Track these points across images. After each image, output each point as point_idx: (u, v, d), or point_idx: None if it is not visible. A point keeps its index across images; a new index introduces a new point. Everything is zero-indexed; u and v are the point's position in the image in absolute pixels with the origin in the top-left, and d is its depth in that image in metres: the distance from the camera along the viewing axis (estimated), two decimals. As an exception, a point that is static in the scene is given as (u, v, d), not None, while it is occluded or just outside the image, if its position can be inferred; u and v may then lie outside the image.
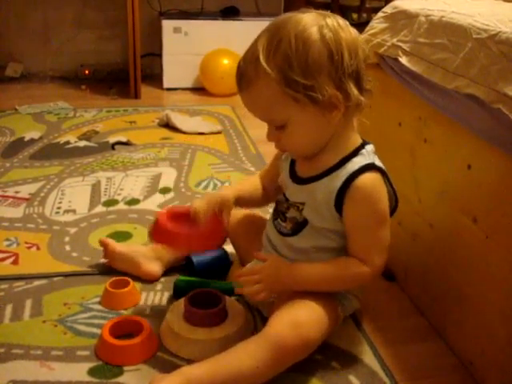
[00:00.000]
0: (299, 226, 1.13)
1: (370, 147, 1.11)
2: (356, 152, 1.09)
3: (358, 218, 1.07)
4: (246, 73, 1.03)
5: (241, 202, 1.25)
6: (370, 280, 1.12)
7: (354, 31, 1.04)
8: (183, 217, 1.18)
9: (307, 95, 0.99)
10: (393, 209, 1.12)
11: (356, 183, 1.05)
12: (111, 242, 1.41)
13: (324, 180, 1.09)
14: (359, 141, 1.11)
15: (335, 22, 1.02)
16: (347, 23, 1.05)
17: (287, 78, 0.99)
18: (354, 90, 1.02)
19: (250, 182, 1.33)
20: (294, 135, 1.06)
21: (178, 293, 1.29)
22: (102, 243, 1.41)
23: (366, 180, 1.05)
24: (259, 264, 1.14)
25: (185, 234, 1.16)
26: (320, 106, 1.01)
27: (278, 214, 1.19)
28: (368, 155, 1.08)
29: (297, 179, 1.15)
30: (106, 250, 1.40)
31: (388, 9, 1.43)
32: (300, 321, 1.04)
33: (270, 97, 1.01)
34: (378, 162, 1.09)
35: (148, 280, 1.37)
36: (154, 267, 1.38)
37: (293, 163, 1.18)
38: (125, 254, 1.38)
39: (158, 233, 1.19)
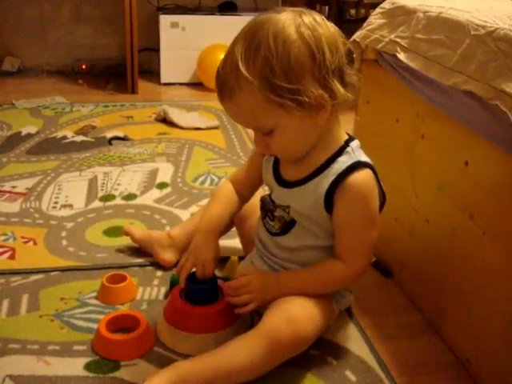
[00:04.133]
0: (287, 225, 1.12)
1: (354, 143, 1.08)
2: (341, 151, 1.06)
3: (348, 216, 1.06)
4: (227, 82, 0.98)
5: (222, 229, 1.24)
6: (350, 283, 1.14)
7: (332, 26, 1.00)
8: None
9: (293, 99, 0.95)
10: (381, 204, 1.11)
11: (348, 182, 1.03)
12: (132, 230, 1.48)
13: (311, 183, 1.07)
14: (344, 137, 1.09)
15: (312, 18, 0.98)
16: (324, 18, 1.01)
17: (271, 84, 0.94)
18: (340, 88, 0.99)
19: (226, 200, 1.25)
20: (282, 140, 1.02)
21: (173, 288, 1.29)
22: (125, 233, 1.48)
23: (358, 178, 1.04)
24: (250, 268, 1.17)
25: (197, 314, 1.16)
26: (307, 109, 0.97)
27: (265, 212, 1.17)
28: (353, 153, 1.06)
29: (282, 182, 1.13)
30: (131, 238, 1.48)
31: (386, 4, 1.43)
32: (295, 316, 1.04)
33: (255, 105, 0.97)
34: (365, 158, 1.07)
35: (164, 266, 1.42)
36: (168, 255, 1.41)
37: (276, 164, 1.15)
38: (142, 241, 1.46)
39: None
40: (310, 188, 1.07)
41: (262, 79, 0.94)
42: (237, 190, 1.26)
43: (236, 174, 1.30)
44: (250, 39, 0.96)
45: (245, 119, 1.03)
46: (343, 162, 1.05)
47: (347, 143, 1.08)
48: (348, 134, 1.11)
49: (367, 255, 1.10)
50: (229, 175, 1.35)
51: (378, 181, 1.08)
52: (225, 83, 0.99)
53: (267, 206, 1.16)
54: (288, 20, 0.97)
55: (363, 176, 1.04)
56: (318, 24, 0.98)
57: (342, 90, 0.99)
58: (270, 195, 1.16)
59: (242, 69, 0.95)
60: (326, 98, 0.98)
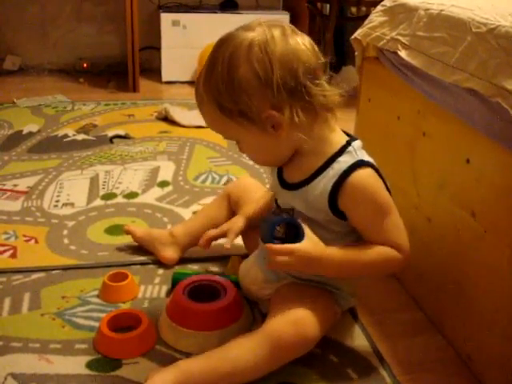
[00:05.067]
0: None
1: (356, 144, 1.07)
2: (341, 151, 1.06)
3: (363, 214, 1.05)
4: (195, 95, 1.06)
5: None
6: (402, 264, 1.08)
7: (294, 42, 0.98)
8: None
9: (244, 119, 0.99)
10: None
11: (349, 182, 1.02)
12: (133, 229, 1.48)
13: (312, 184, 1.06)
14: (343, 139, 1.08)
15: (270, 36, 0.97)
16: (287, 33, 0.99)
17: (220, 105, 1.00)
18: (293, 108, 0.98)
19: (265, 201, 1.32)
20: (249, 150, 1.09)
21: (175, 286, 1.29)
22: (126, 232, 1.48)
23: (359, 177, 1.03)
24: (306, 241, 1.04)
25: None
26: (259, 127, 1.00)
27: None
28: (355, 152, 1.06)
29: (285, 185, 1.13)
30: (132, 236, 1.48)
31: (387, 2, 1.43)
32: (299, 318, 1.04)
33: (215, 119, 1.04)
34: (367, 158, 1.07)
35: (166, 264, 1.42)
36: (170, 252, 1.41)
37: (280, 169, 1.15)
38: (143, 239, 1.46)
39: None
40: (312, 189, 1.07)
41: (213, 99, 1.01)
42: None
43: None
44: (212, 57, 1.02)
45: (214, 128, 1.09)
46: (345, 162, 1.04)
47: (349, 143, 1.07)
48: (349, 135, 1.11)
49: (404, 237, 1.08)
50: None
51: (383, 179, 1.08)
52: (195, 95, 1.07)
53: (274, 211, 1.15)
54: (244, 41, 0.98)
55: (365, 174, 1.04)
56: (275, 43, 0.97)
57: (296, 110, 0.98)
58: (276, 201, 1.16)
59: (201, 87, 1.03)
60: (278, 117, 0.98)
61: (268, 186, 1.50)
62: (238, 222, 1.30)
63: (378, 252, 1.06)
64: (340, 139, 1.08)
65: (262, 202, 1.32)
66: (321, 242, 1.04)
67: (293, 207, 1.08)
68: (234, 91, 0.98)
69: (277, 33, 0.98)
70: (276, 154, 1.08)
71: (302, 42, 1.00)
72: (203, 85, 1.02)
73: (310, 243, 1.03)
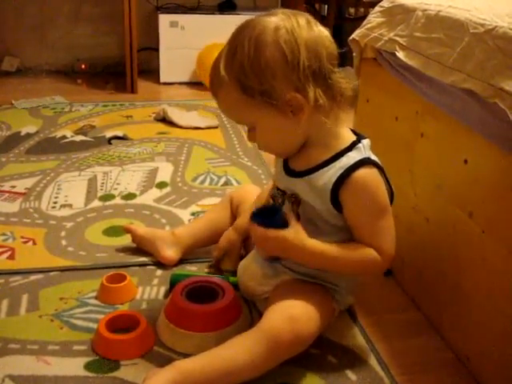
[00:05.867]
0: None
1: (366, 141, 1.10)
2: (351, 146, 1.08)
3: (360, 210, 1.06)
4: (212, 80, 1.07)
5: None
6: (381, 268, 1.11)
7: (318, 29, 1.03)
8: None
9: (264, 100, 1.01)
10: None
11: (354, 177, 1.04)
12: (133, 227, 1.48)
13: (318, 173, 1.08)
14: (352, 135, 1.10)
15: (295, 22, 1.01)
16: (311, 21, 1.03)
17: (243, 85, 1.01)
18: (318, 91, 1.01)
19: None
20: (264, 136, 1.09)
21: (173, 287, 1.29)
22: (126, 230, 1.48)
23: (364, 174, 1.05)
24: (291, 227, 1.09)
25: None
26: (281, 109, 1.02)
27: None
28: (364, 150, 1.08)
29: (291, 173, 1.14)
30: (132, 235, 1.47)
31: (385, 3, 1.43)
32: (295, 315, 1.04)
33: (233, 103, 1.05)
34: (374, 157, 1.09)
35: (166, 264, 1.41)
36: (170, 252, 1.41)
37: (286, 158, 1.17)
38: (145, 238, 1.45)
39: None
40: (316, 178, 1.08)
41: (236, 80, 1.01)
42: None
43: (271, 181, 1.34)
44: (233, 41, 1.04)
45: (229, 114, 1.10)
46: (353, 157, 1.06)
47: (359, 140, 1.09)
48: (357, 133, 1.12)
49: (391, 242, 1.09)
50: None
51: (388, 181, 1.09)
52: (211, 81, 1.08)
53: (275, 203, 1.17)
54: (270, 23, 1.01)
55: (370, 172, 1.06)
56: (301, 27, 1.01)
57: (319, 93, 1.01)
58: (278, 187, 1.17)
59: (221, 69, 1.03)
60: (301, 100, 1.01)
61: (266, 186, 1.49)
62: (235, 241, 1.37)
63: (360, 254, 1.08)
64: (350, 135, 1.11)
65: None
66: (304, 233, 1.08)
67: (294, 193, 1.11)
68: (260, 71, 0.99)
69: (302, 19, 1.02)
70: (289, 141, 1.09)
71: (323, 30, 1.04)
72: (225, 66, 1.03)
73: (292, 231, 1.07)
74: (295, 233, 1.07)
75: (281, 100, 1.00)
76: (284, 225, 1.08)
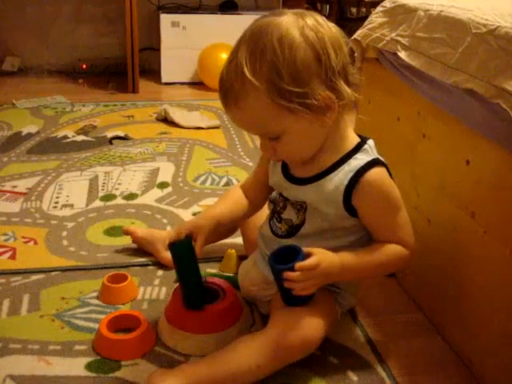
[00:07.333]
0: (294, 228, 1.11)
1: (371, 142, 1.09)
2: (357, 148, 1.06)
3: (377, 211, 1.06)
4: (232, 88, 0.96)
5: (222, 225, 1.20)
6: (408, 259, 1.09)
7: (333, 26, 1.00)
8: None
9: (301, 103, 0.94)
10: None
11: (366, 179, 1.03)
12: (133, 229, 1.48)
13: (326, 178, 1.06)
14: (356, 137, 1.09)
15: (313, 20, 0.97)
16: (324, 19, 1.00)
17: (279, 89, 0.93)
18: (346, 87, 0.99)
19: (231, 201, 1.25)
20: (290, 144, 1.01)
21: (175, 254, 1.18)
22: (125, 232, 1.48)
23: (375, 175, 1.04)
24: (314, 249, 1.04)
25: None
26: (315, 111, 0.96)
27: (273, 214, 1.16)
28: (371, 151, 1.07)
29: (295, 180, 1.11)
30: (132, 237, 1.47)
31: (387, 3, 1.42)
32: (301, 321, 1.04)
33: (262, 111, 0.95)
34: (380, 157, 1.08)
35: (165, 266, 1.40)
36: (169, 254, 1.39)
37: (285, 165, 1.14)
38: (144, 239, 1.46)
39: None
40: (326, 183, 1.06)
41: (269, 84, 0.93)
42: (247, 195, 1.25)
43: (246, 180, 1.29)
44: (254, 44, 0.94)
45: (252, 125, 1.02)
46: (361, 159, 1.05)
47: (364, 141, 1.08)
48: (360, 135, 1.11)
49: (410, 233, 1.09)
50: (240, 181, 1.34)
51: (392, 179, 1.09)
52: (229, 89, 0.96)
53: (276, 207, 1.15)
54: (290, 23, 0.95)
55: (381, 172, 1.05)
56: (320, 25, 0.97)
57: (347, 89, 0.99)
58: (280, 194, 1.15)
59: (248, 74, 0.93)
60: (333, 99, 0.97)
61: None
62: (202, 225, 1.17)
63: (386, 252, 1.07)
64: (354, 136, 1.09)
65: (230, 203, 1.25)
66: (329, 252, 1.04)
67: (303, 201, 1.09)
68: (297, 72, 0.93)
69: (317, 17, 0.99)
70: (315, 144, 1.04)
71: (336, 27, 1.01)
72: (252, 73, 0.93)
73: (321, 257, 1.02)
74: (324, 256, 1.03)
75: (316, 101, 0.95)
76: (307, 257, 1.02)
